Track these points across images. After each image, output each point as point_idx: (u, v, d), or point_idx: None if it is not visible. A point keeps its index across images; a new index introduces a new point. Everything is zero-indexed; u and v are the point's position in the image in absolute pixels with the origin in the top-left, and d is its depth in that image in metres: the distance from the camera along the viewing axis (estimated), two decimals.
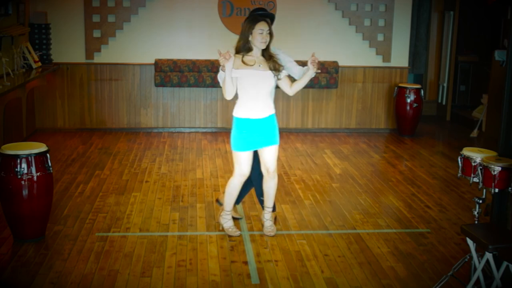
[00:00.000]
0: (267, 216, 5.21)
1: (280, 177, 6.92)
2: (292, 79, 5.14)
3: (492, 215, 4.40)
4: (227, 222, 5.18)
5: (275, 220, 5.42)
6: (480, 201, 4.29)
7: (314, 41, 9.21)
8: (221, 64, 4.72)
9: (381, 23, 9.31)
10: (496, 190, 4.14)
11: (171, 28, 8.99)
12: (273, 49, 5.02)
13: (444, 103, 10.79)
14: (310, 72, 4.98)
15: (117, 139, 8.60)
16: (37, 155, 4.79)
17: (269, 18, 4.95)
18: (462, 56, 10.77)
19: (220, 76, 4.93)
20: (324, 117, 9.45)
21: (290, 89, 5.04)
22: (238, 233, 5.15)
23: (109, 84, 9.01)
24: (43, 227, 5.01)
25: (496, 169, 4.10)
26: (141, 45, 8.99)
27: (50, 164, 4.90)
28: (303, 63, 8.97)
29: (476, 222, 4.38)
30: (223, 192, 5.34)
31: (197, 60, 8.89)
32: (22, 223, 4.85)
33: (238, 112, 4.92)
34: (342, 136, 9.16)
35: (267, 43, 4.89)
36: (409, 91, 9.10)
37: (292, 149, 8.25)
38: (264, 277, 4.42)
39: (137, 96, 9.09)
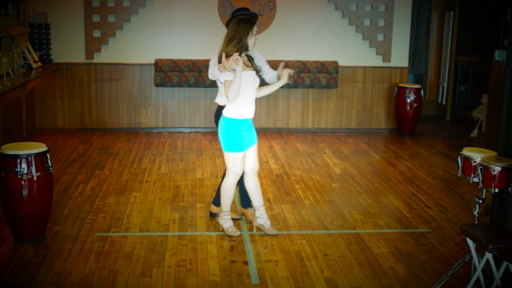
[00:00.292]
0: (264, 214, 5.21)
1: (280, 177, 6.93)
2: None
3: (492, 215, 4.40)
4: (226, 222, 5.18)
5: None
6: (480, 201, 4.29)
7: (314, 41, 9.22)
8: (233, 67, 4.72)
9: (381, 23, 9.31)
10: (496, 190, 4.14)
11: (171, 28, 8.99)
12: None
13: (444, 103, 10.79)
14: (283, 82, 5.05)
15: (117, 139, 8.60)
16: (37, 155, 4.79)
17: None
18: (462, 56, 10.77)
19: (214, 75, 4.92)
20: (324, 117, 9.45)
21: (258, 92, 5.07)
22: (238, 233, 5.15)
23: (109, 84, 9.01)
24: (43, 227, 5.01)
25: (496, 169, 4.09)
26: (141, 45, 8.99)
27: (50, 164, 4.90)
28: (303, 63, 9.07)
29: (476, 222, 4.38)
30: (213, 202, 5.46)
31: (197, 60, 8.89)
32: (22, 223, 4.85)
33: (235, 113, 4.92)
34: (342, 136, 9.16)
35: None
36: (409, 91, 9.10)
37: (292, 149, 8.25)
38: (264, 277, 4.42)
39: (137, 96, 9.09)
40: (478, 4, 10.57)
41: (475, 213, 4.35)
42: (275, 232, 5.17)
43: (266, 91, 5.13)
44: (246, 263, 4.65)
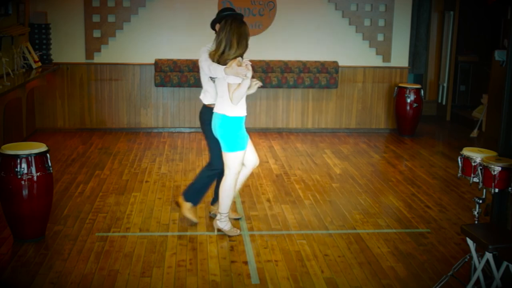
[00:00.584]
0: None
1: (280, 177, 6.93)
2: None
3: (492, 215, 4.40)
4: (226, 224, 5.17)
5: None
6: (480, 201, 4.30)
7: (314, 41, 9.22)
8: (244, 74, 4.72)
9: (381, 23, 9.31)
10: (496, 190, 4.14)
11: (171, 28, 8.99)
12: None
13: (444, 103, 10.79)
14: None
15: (117, 139, 8.60)
16: (37, 155, 4.79)
17: None
18: (462, 56, 10.77)
19: (216, 73, 4.86)
20: (324, 117, 9.45)
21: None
22: (238, 232, 5.16)
23: (109, 84, 9.01)
24: (43, 227, 5.01)
25: (496, 169, 4.10)
26: (141, 45, 8.99)
27: (50, 164, 4.90)
28: (303, 63, 9.06)
29: (476, 222, 4.38)
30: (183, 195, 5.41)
31: (197, 60, 8.85)
32: (22, 223, 4.85)
33: (238, 111, 4.92)
34: (342, 136, 9.16)
35: None
36: (409, 91, 9.10)
37: (292, 149, 8.25)
38: (264, 277, 4.42)
39: (137, 96, 9.09)
40: (478, 4, 10.57)
41: (475, 213, 4.35)
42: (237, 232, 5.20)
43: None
44: (246, 263, 4.65)
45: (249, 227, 5.35)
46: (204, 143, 8.44)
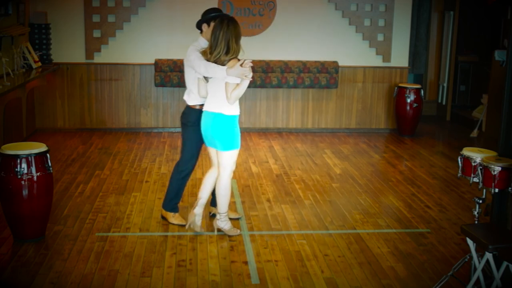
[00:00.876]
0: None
1: (280, 177, 6.93)
2: None
3: (492, 215, 4.40)
4: (226, 223, 5.17)
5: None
6: (480, 201, 4.30)
7: (314, 41, 9.22)
8: (246, 74, 4.73)
9: (381, 23, 9.31)
10: (496, 190, 4.14)
11: (171, 28, 8.98)
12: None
13: (444, 103, 10.79)
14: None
15: (117, 139, 8.60)
16: (37, 155, 4.79)
17: None
18: (462, 56, 10.77)
19: (215, 73, 4.84)
20: (324, 117, 9.45)
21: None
22: (238, 232, 5.16)
23: (109, 84, 9.01)
24: (43, 227, 5.01)
25: (496, 169, 4.10)
26: (141, 45, 8.99)
27: (50, 164, 4.90)
28: (303, 63, 9.06)
29: (476, 222, 4.38)
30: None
31: None
32: (22, 223, 4.85)
33: (235, 110, 4.95)
34: (342, 136, 9.16)
35: None
36: (409, 91, 9.10)
37: (292, 149, 8.25)
38: (264, 277, 4.42)
39: (137, 96, 9.09)
40: (478, 4, 10.57)
41: (475, 213, 4.35)
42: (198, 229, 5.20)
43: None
44: (246, 263, 4.65)
45: (249, 227, 5.35)
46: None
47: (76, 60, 8.92)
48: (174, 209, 5.42)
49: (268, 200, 6.10)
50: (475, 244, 3.89)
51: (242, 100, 9.16)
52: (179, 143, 8.44)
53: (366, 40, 9.32)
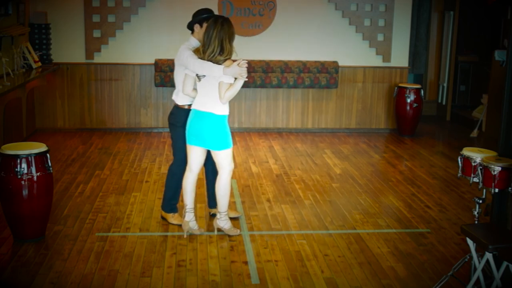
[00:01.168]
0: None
1: (280, 177, 6.93)
2: None
3: (492, 215, 4.40)
4: (227, 223, 5.17)
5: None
6: (480, 201, 4.30)
7: (314, 41, 9.22)
8: (243, 74, 4.74)
9: (381, 23, 9.31)
10: (496, 190, 4.14)
11: (171, 28, 8.98)
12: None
13: (444, 103, 10.79)
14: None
15: (117, 139, 8.60)
16: (37, 155, 4.79)
17: None
18: (462, 56, 10.77)
19: (212, 72, 4.83)
20: (324, 117, 9.45)
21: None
22: (238, 232, 5.16)
23: (109, 84, 9.02)
24: (43, 227, 5.01)
25: (496, 169, 4.10)
26: (141, 45, 8.99)
27: (50, 164, 4.90)
28: (303, 63, 9.06)
29: (476, 222, 4.38)
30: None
31: None
32: (22, 223, 4.85)
33: (226, 109, 4.97)
34: (342, 136, 9.16)
35: None
36: (409, 91, 9.10)
37: (292, 149, 8.25)
38: (264, 277, 4.42)
39: (137, 96, 9.09)
40: (478, 4, 10.57)
41: (475, 213, 4.35)
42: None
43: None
44: (246, 263, 4.65)
45: (249, 227, 5.35)
46: None
47: (76, 60, 8.92)
48: (173, 209, 5.42)
49: (268, 200, 6.10)
50: (475, 244, 3.89)
51: (242, 100, 9.17)
52: None
53: (366, 40, 9.32)
